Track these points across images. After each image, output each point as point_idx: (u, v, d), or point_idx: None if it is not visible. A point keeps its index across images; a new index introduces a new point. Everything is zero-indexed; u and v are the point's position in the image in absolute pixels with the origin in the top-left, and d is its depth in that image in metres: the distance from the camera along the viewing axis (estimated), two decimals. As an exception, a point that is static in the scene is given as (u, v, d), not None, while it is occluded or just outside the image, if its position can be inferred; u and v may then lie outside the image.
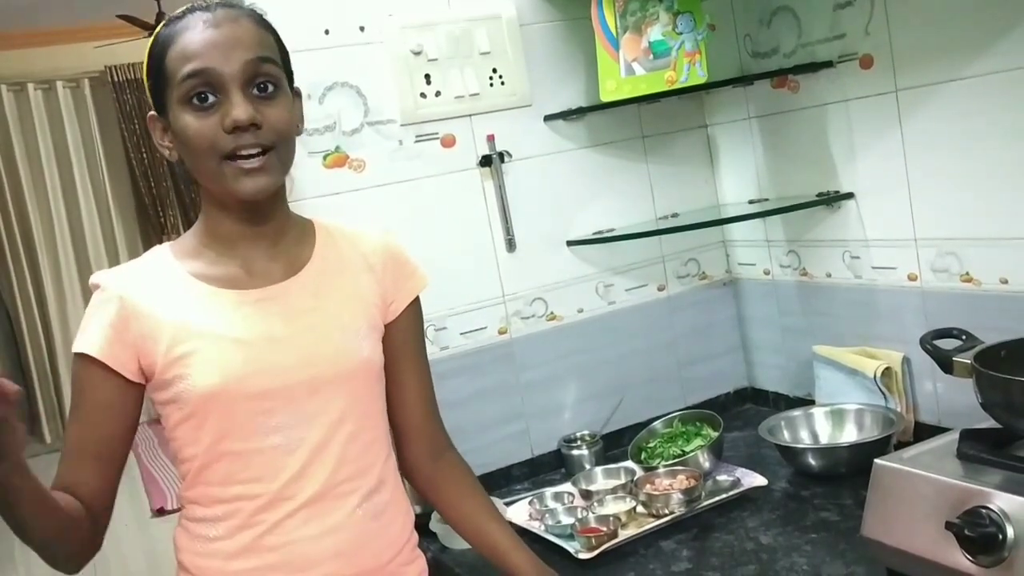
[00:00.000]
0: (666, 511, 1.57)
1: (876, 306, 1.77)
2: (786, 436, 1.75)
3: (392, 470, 1.30)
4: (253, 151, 1.12)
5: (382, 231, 1.34)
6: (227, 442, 1.17)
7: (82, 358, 1.17)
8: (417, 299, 1.33)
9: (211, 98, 1.11)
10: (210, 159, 1.12)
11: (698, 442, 1.79)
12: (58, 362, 6.43)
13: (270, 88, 1.13)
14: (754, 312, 2.10)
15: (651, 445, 1.84)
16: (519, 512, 1.69)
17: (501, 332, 1.90)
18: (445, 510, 1.35)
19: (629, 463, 1.79)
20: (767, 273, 2.03)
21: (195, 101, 1.11)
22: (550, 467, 1.93)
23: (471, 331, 1.86)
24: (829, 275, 1.87)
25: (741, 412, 2.12)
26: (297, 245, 1.25)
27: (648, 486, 1.65)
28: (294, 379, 1.17)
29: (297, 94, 1.22)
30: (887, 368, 1.72)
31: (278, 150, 1.14)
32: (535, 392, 1.94)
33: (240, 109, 1.10)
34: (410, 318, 1.32)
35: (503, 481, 1.89)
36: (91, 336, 1.15)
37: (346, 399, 1.21)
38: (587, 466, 1.86)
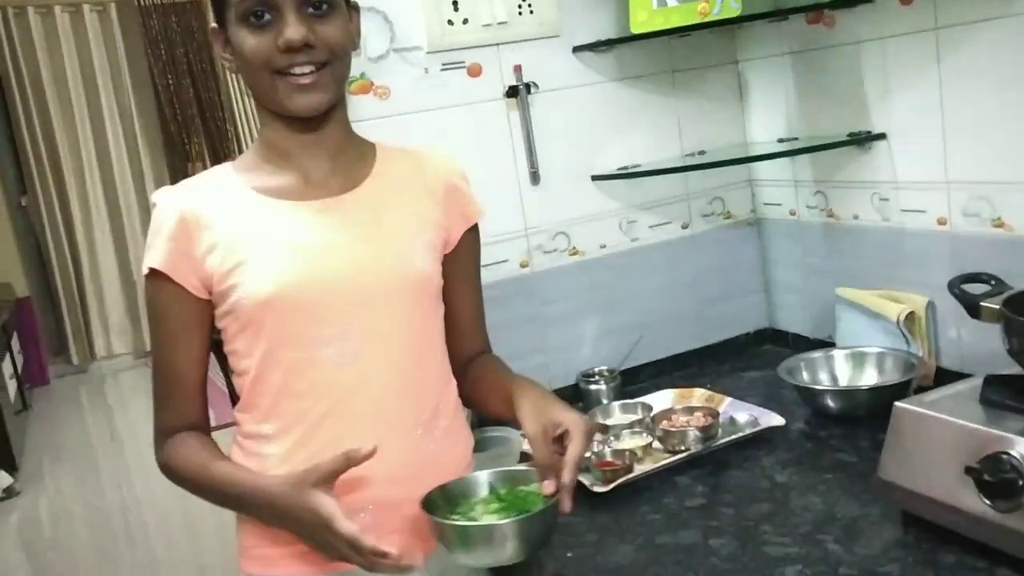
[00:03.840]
0: (682, 447, 1.57)
1: (902, 249, 1.75)
2: (805, 377, 1.74)
3: (452, 396, 1.31)
4: (306, 68, 1.15)
5: (446, 155, 1.34)
6: (280, 352, 1.19)
7: (151, 277, 1.20)
8: (475, 227, 1.34)
9: (266, 16, 1.13)
10: (264, 75, 1.16)
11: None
12: (85, 285, 6.51)
13: (324, 6, 1.15)
14: (778, 253, 2.08)
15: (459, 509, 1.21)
16: (536, 444, 1.70)
17: (523, 265, 1.90)
18: (471, 393, 1.34)
19: (646, 399, 1.79)
20: (793, 214, 2.00)
21: (251, 19, 1.14)
22: (568, 401, 1.91)
23: (493, 264, 1.85)
24: (856, 217, 1.84)
25: (760, 352, 2.11)
26: (357, 161, 1.26)
27: (665, 422, 1.65)
28: (348, 289, 1.18)
29: (354, 8, 1.24)
30: (911, 312, 1.70)
31: (332, 66, 1.17)
32: (555, 326, 1.94)
33: (293, 29, 1.12)
34: (467, 246, 1.33)
35: (520, 414, 1.90)
36: (154, 252, 1.19)
37: (403, 315, 1.22)
38: (604, 401, 1.87)
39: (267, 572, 1.26)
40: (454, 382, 1.34)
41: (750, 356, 2.08)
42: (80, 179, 6.46)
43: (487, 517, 1.13)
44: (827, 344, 1.92)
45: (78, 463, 4.80)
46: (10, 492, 4.35)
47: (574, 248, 1.94)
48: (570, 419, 1.15)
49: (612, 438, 1.64)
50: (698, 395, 1.80)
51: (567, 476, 1.10)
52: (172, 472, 1.24)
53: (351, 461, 1.09)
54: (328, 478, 1.10)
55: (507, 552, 1.09)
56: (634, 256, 2.00)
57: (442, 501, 1.17)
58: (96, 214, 6.51)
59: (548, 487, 1.11)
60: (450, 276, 1.31)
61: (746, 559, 1.24)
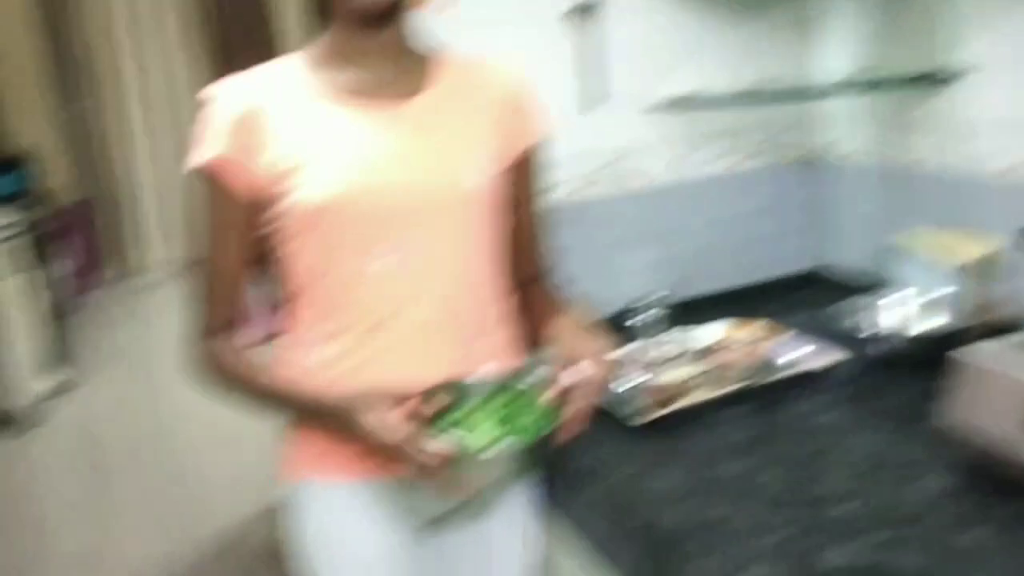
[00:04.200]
0: (732, 381, 1.56)
1: (971, 193, 1.70)
2: (859, 320, 1.71)
3: (504, 312, 1.30)
4: None
5: (511, 68, 1.30)
6: (330, 263, 1.17)
7: (198, 173, 1.18)
8: (538, 145, 1.31)
9: None
10: None
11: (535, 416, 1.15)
12: (142, 188, 6.50)
13: None
14: (836, 193, 2.04)
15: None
16: (580, 371, 1.70)
17: (572, 193, 1.87)
18: (519, 320, 1.33)
19: (692, 332, 1.77)
20: (850, 154, 1.95)
21: None
22: (615, 329, 1.92)
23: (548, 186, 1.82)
24: (921, 159, 1.79)
25: (809, 294, 2.07)
26: (420, 68, 1.23)
27: (715, 355, 1.63)
28: (404, 201, 1.17)
29: None
30: (975, 259, 1.66)
31: None
32: (601, 256, 1.92)
33: None
34: (528, 163, 1.30)
35: (564, 341, 1.90)
36: (204, 147, 1.17)
37: (458, 229, 1.20)
38: (652, 332, 1.85)
39: (315, 477, 1.27)
40: (506, 297, 1.32)
41: (799, 297, 2.05)
42: (137, 84, 6.42)
43: (487, 425, 1.11)
44: (876, 289, 1.88)
45: (128, 367, 4.87)
46: (61, 388, 4.45)
47: (623, 178, 1.91)
48: (591, 349, 1.16)
49: (661, 368, 1.63)
50: (748, 330, 1.78)
51: (579, 398, 1.10)
52: (212, 373, 1.23)
53: (417, 403, 1.11)
54: (391, 401, 1.11)
55: (508, 473, 1.11)
56: (687, 189, 1.96)
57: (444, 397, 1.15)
58: (155, 120, 6.49)
59: (566, 379, 1.11)
60: (509, 194, 1.29)
61: (799, 494, 1.23)
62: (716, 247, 2.01)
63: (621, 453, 1.39)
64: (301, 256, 1.19)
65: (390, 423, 1.08)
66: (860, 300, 1.75)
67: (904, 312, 1.73)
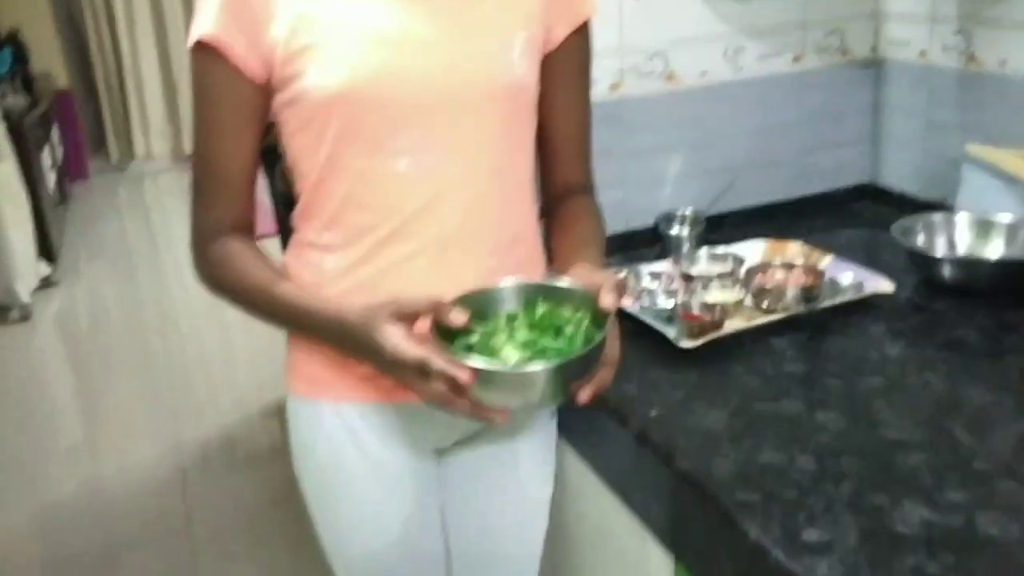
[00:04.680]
0: (779, 307, 1.41)
1: (1057, 105, 1.51)
2: (920, 241, 1.55)
3: (533, 225, 1.16)
4: None
5: None
6: (348, 157, 1.03)
7: (199, 51, 1.02)
8: (585, 27, 1.15)
9: None
10: None
11: (561, 343, 0.98)
12: (126, 82, 6.30)
13: None
14: (898, 99, 1.84)
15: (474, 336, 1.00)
16: (611, 288, 1.54)
17: (613, 88, 1.68)
18: (549, 237, 1.19)
19: (737, 248, 1.61)
20: (923, 55, 1.75)
21: None
22: (644, 244, 1.76)
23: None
24: (1004, 62, 1.59)
25: (860, 210, 1.90)
26: None
27: (760, 277, 1.48)
28: (432, 90, 1.02)
29: None
30: (1057, 179, 1.49)
31: None
32: (639, 160, 1.74)
33: None
34: (573, 47, 1.14)
35: (592, 252, 1.74)
36: (205, 19, 1.01)
37: (490, 126, 1.06)
38: (685, 247, 1.69)
39: (318, 395, 1.14)
40: (536, 209, 1.17)
41: (849, 213, 1.88)
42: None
43: (510, 348, 0.96)
44: (939, 207, 1.71)
45: (115, 260, 4.77)
46: (48, 282, 4.34)
47: (671, 73, 1.71)
48: (605, 276, 1.02)
49: (699, 289, 1.47)
50: (793, 249, 1.61)
51: (606, 298, 0.96)
52: (219, 283, 1.10)
53: (437, 313, 0.95)
54: (406, 315, 0.96)
55: (536, 397, 0.93)
56: (735, 89, 1.77)
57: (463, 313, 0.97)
58: (140, 7, 6.22)
59: (606, 299, 0.96)
60: (549, 84, 1.12)
61: (859, 439, 1.09)
62: (761, 156, 1.83)
63: (659, 383, 1.25)
64: (313, 151, 1.04)
65: (402, 343, 0.94)
66: (925, 219, 1.58)
67: (972, 234, 1.56)
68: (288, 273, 1.12)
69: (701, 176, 1.79)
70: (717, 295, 1.45)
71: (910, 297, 1.46)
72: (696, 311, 1.39)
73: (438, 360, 0.91)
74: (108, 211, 5.61)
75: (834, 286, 1.47)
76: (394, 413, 1.13)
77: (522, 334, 0.98)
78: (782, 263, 1.51)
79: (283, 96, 1.04)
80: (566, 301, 1.00)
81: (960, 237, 1.56)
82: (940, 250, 1.54)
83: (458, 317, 0.95)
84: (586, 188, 1.21)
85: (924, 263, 1.50)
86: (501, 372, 0.91)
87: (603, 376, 0.98)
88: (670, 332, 1.34)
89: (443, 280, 1.03)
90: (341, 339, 1.01)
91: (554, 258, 1.15)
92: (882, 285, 1.46)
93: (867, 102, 1.88)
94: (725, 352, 1.32)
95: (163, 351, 3.76)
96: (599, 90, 1.66)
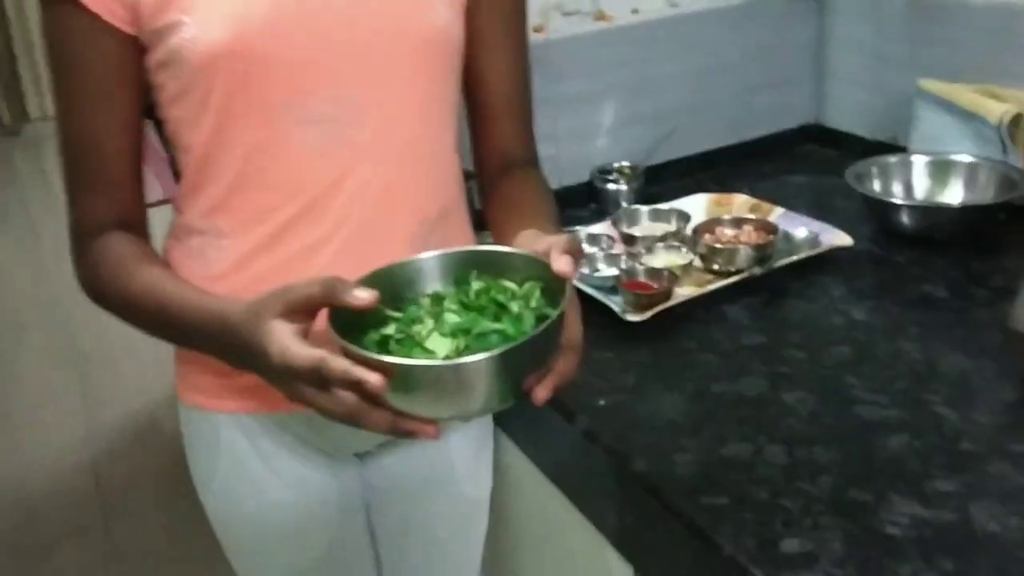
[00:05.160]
0: (731, 268, 1.28)
1: (1016, 34, 1.40)
2: (876, 187, 1.43)
3: (460, 197, 0.99)
4: None
5: None
6: (239, 128, 0.85)
7: (50, 4, 0.83)
8: None
9: None
10: None
11: (505, 325, 0.76)
12: (12, 37, 5.89)
13: None
14: (844, 31, 1.71)
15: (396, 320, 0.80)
16: (546, 254, 1.39)
17: (536, 30, 1.52)
18: (491, 218, 0.99)
19: (677, 204, 1.47)
20: (871, -19, 1.62)
21: None
22: (578, 202, 1.62)
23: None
24: (960, -12, 1.47)
25: (805, 153, 1.78)
26: None
27: (708, 236, 1.35)
28: (341, 44, 0.85)
29: None
30: (1017, 115, 1.38)
31: None
32: (569, 109, 1.58)
33: None
34: None
35: (523, 214, 1.58)
36: None
37: (413, 87, 0.89)
38: (623, 203, 1.56)
39: (210, 407, 0.98)
40: (462, 178, 1.01)
41: (793, 157, 1.76)
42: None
43: (437, 337, 0.75)
44: (889, 148, 1.60)
45: (16, 231, 4.47)
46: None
47: (601, 11, 1.56)
48: (555, 238, 0.79)
49: (643, 252, 1.33)
50: (739, 202, 1.49)
51: (560, 261, 0.73)
52: (100, 291, 0.91)
53: (333, 296, 0.74)
54: (298, 306, 0.75)
55: (476, 400, 0.71)
56: (671, 27, 1.62)
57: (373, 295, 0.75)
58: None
59: (560, 262, 0.73)
60: (478, 37, 0.95)
61: (832, 421, 0.97)
62: (700, 100, 1.70)
63: (605, 364, 1.11)
64: (197, 121, 0.86)
65: (292, 344, 0.72)
66: (879, 162, 1.46)
67: (929, 177, 1.45)
68: (170, 263, 0.95)
69: (637, 124, 1.65)
70: (663, 258, 1.32)
71: (869, 249, 1.35)
72: (642, 278, 1.26)
73: (338, 361, 0.70)
74: (3, 179, 5.26)
75: (788, 241, 1.35)
76: (304, 422, 0.97)
77: (452, 318, 0.76)
78: (731, 219, 1.38)
79: (156, 54, 0.85)
80: (508, 271, 0.79)
81: (918, 181, 1.45)
82: (897, 196, 1.43)
83: (362, 296, 0.74)
84: (530, 159, 1.03)
85: (882, 210, 1.38)
86: (426, 368, 0.70)
87: (564, 365, 0.74)
88: (615, 304, 1.20)
89: (359, 268, 0.86)
90: (223, 345, 0.81)
91: (495, 235, 0.98)
92: (839, 238, 1.34)
93: (811, 36, 1.75)
94: (676, 324, 1.19)
95: (72, 324, 3.53)
96: (522, 33, 1.50)
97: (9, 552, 2.39)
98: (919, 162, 1.45)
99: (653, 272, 1.26)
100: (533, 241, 0.81)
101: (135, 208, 0.92)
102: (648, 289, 1.23)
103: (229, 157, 0.87)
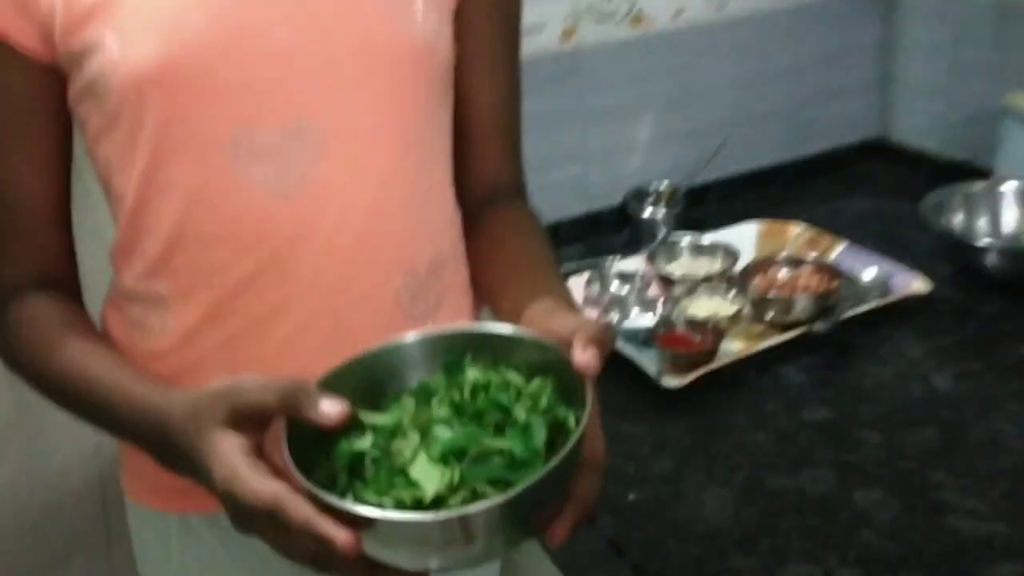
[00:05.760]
0: (787, 320, 1.09)
1: None
2: (959, 222, 1.23)
3: (457, 242, 0.81)
4: None
5: None
6: (175, 168, 0.69)
7: None
8: None
9: None
10: None
11: (510, 442, 0.58)
12: None
13: None
14: (916, 35, 1.53)
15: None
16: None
17: (565, 35, 1.34)
18: (474, 262, 0.83)
19: (722, 235, 1.29)
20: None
21: None
22: (608, 229, 1.44)
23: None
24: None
25: (868, 172, 1.59)
26: None
27: (759, 278, 1.16)
28: (297, 62, 0.68)
29: None
30: None
31: None
32: (600, 124, 1.42)
33: None
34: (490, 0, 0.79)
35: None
36: None
37: (387, 110, 0.72)
38: (661, 231, 1.37)
39: (163, 505, 0.81)
40: (459, 217, 0.82)
41: (855, 177, 1.57)
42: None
43: (424, 463, 0.57)
44: (966, 169, 1.40)
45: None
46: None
47: (638, 14, 1.38)
48: (580, 321, 0.62)
49: (683, 296, 1.15)
50: (795, 234, 1.30)
51: (584, 354, 0.58)
52: (16, 361, 0.75)
53: (291, 409, 0.58)
54: (247, 414, 0.58)
55: (475, 550, 0.55)
56: (717, 32, 1.45)
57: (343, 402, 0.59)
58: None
59: (584, 357, 0.57)
60: (462, 48, 0.77)
61: (921, 537, 0.78)
62: (749, 112, 1.53)
63: (636, 444, 0.93)
64: (126, 162, 0.70)
65: (239, 471, 0.56)
66: (966, 189, 1.26)
67: (1021, 208, 1.25)
68: (107, 331, 0.78)
69: (677, 141, 1.47)
70: (707, 306, 1.13)
71: (949, 296, 1.15)
72: (681, 329, 1.07)
73: (299, 508, 0.54)
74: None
75: (853, 284, 1.16)
76: None
77: (443, 432, 0.59)
78: (786, 257, 1.19)
79: (76, 83, 0.69)
80: (511, 354, 0.63)
81: (1008, 214, 1.25)
82: (983, 233, 1.22)
83: (330, 411, 0.58)
84: (517, 190, 0.85)
85: (965, 251, 1.18)
86: (411, 524, 0.53)
87: (586, 490, 0.58)
88: (649, 365, 1.02)
89: (329, 341, 0.70)
90: (160, 449, 0.65)
91: (485, 292, 0.81)
92: (915, 283, 1.14)
93: (876, 40, 1.57)
94: (722, 390, 1.00)
95: None
96: (547, 39, 1.33)
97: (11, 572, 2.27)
98: (1009, 191, 1.25)
99: (694, 324, 1.07)
100: (548, 318, 0.64)
101: (60, 262, 0.76)
102: (689, 345, 1.04)
103: (165, 205, 0.70)
